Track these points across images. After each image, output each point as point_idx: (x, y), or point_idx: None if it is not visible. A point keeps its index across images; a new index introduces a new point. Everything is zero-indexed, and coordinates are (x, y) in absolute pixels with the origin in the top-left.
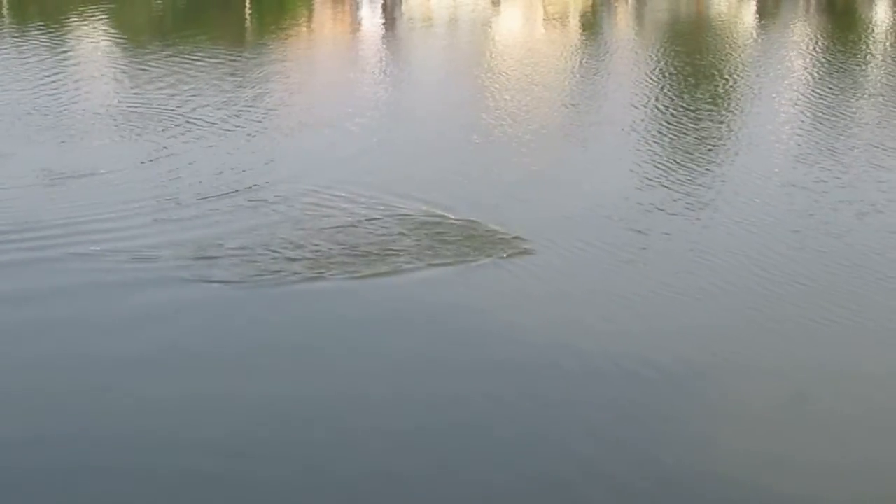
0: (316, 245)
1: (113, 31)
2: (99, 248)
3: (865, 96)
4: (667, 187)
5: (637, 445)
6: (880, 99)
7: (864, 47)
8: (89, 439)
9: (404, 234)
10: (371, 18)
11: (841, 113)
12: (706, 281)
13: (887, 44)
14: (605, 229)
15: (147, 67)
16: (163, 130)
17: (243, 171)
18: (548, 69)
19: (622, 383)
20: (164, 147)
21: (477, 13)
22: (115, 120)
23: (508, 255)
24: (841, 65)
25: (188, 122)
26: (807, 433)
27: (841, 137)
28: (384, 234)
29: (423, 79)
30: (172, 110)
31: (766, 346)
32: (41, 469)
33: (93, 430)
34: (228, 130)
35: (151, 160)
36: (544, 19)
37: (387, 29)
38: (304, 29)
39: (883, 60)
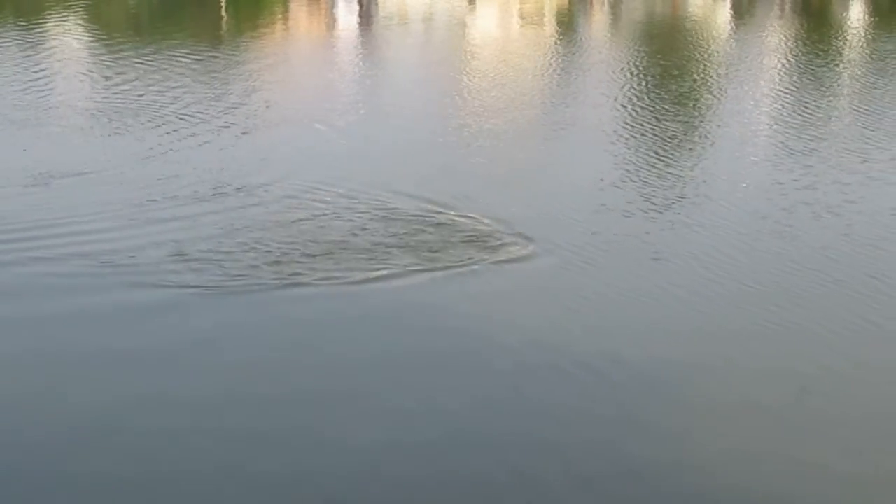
0: (294, 247)
1: (88, 29)
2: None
3: (837, 97)
4: (637, 186)
5: (597, 442)
6: (852, 99)
7: (837, 48)
8: (34, 441)
9: (389, 232)
10: (346, 17)
11: (812, 113)
12: (670, 281)
13: (860, 45)
14: (570, 228)
15: (122, 66)
16: (139, 128)
17: (220, 170)
18: (522, 68)
19: (571, 382)
20: (147, 145)
21: (452, 12)
22: (89, 118)
23: (491, 255)
24: (813, 65)
25: (164, 120)
26: (772, 430)
27: (813, 138)
28: (364, 232)
29: (398, 77)
30: (148, 109)
31: (731, 346)
32: None
33: (40, 432)
34: (204, 129)
35: (130, 158)
36: (519, 18)
37: (362, 27)
38: (280, 27)
39: (855, 61)
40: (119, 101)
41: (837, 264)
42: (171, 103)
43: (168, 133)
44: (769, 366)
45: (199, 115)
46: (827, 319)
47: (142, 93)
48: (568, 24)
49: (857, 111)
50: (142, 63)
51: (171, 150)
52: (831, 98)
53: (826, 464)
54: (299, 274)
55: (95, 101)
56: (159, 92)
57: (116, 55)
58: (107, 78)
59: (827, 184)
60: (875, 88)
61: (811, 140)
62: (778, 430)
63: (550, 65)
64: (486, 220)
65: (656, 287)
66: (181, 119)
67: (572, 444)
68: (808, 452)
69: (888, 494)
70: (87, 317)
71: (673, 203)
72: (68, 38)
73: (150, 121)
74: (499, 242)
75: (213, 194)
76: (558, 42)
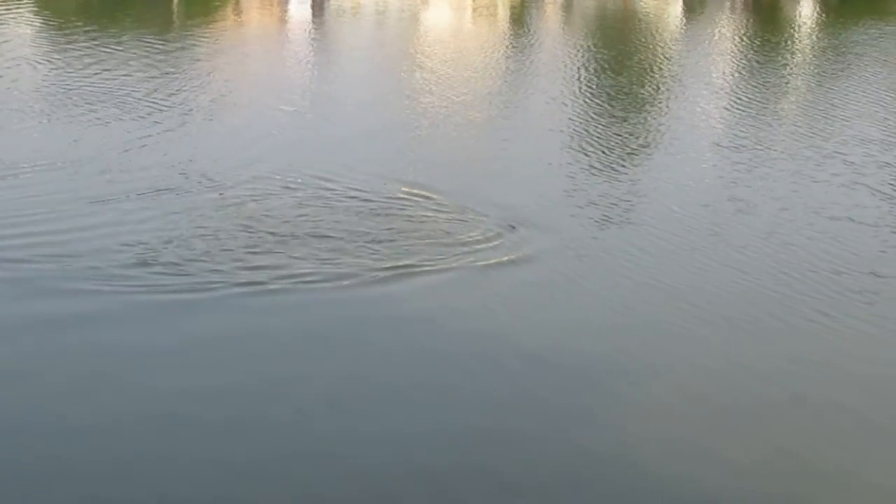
0: (257, 244)
1: (38, 17)
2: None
3: (783, 93)
4: (584, 182)
5: (541, 438)
6: (797, 96)
7: (785, 45)
8: None
9: (354, 221)
10: (299, 10)
11: (757, 110)
12: (582, 276)
13: (808, 42)
14: (511, 225)
15: (73, 54)
16: (87, 117)
17: (172, 164)
18: (474, 61)
19: (520, 377)
20: (100, 134)
21: (405, 5)
22: (36, 106)
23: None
24: (761, 62)
25: (115, 108)
26: (716, 426)
27: (759, 133)
28: (320, 223)
29: (349, 70)
30: (100, 97)
31: (680, 343)
32: None
33: None
34: (154, 120)
35: (78, 147)
36: (473, 12)
37: (315, 20)
38: (232, 20)
39: (804, 58)
40: (68, 89)
41: (753, 262)
42: (122, 92)
43: (121, 122)
44: (684, 364)
45: (151, 104)
46: (739, 316)
47: (93, 81)
48: (520, 18)
49: (801, 108)
50: (93, 52)
51: (124, 139)
52: (776, 95)
53: (743, 455)
54: (256, 270)
55: (44, 90)
56: (110, 80)
57: (67, 44)
58: (57, 66)
59: (757, 180)
60: (820, 86)
61: (754, 137)
62: (703, 423)
63: (502, 59)
64: (438, 208)
65: (571, 283)
66: (132, 108)
67: (502, 433)
68: (726, 444)
69: (808, 484)
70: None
71: (612, 199)
72: (19, 26)
73: (101, 109)
74: (453, 232)
75: (156, 187)
76: (510, 36)
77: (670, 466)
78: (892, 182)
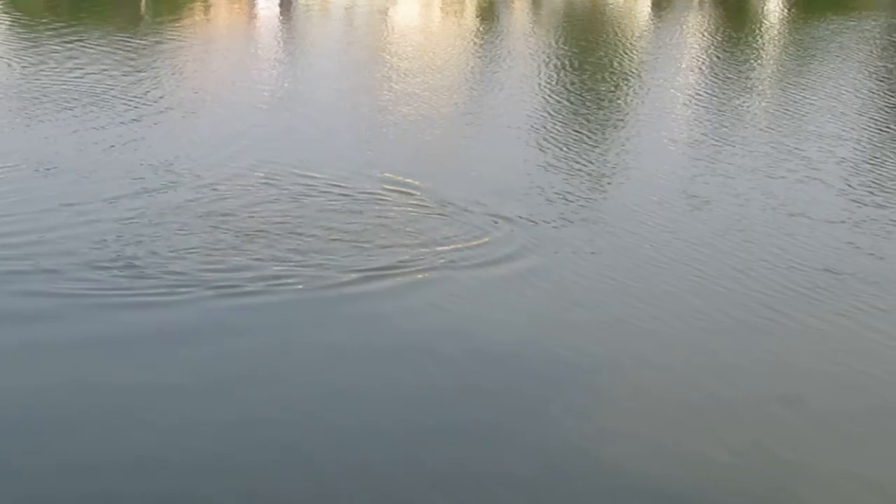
0: (234, 245)
1: (4, 18)
2: None
3: (747, 88)
4: (551, 176)
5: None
6: (761, 91)
7: (750, 41)
8: None
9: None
10: (267, 7)
11: (721, 105)
12: (534, 273)
13: (773, 37)
14: (484, 219)
15: (41, 54)
16: (55, 116)
17: (141, 162)
18: (442, 57)
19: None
20: (69, 131)
21: (373, 2)
22: (2, 104)
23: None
24: (726, 58)
25: (81, 108)
26: (686, 423)
27: (719, 130)
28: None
29: (318, 67)
30: (66, 97)
31: (632, 340)
32: None
33: None
34: (122, 119)
35: (46, 145)
36: (441, 9)
37: (283, 18)
38: (200, 17)
39: (766, 54)
40: (36, 88)
41: (707, 258)
42: (90, 91)
43: (88, 120)
44: (655, 360)
45: (119, 103)
46: (691, 312)
47: (62, 80)
48: (488, 15)
49: (762, 104)
50: (61, 51)
51: (92, 138)
52: (738, 91)
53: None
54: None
55: (11, 88)
56: (79, 79)
57: (35, 42)
58: (24, 65)
59: (715, 176)
60: (781, 82)
61: (715, 133)
62: (654, 418)
63: (470, 54)
64: (404, 200)
65: (524, 279)
66: (100, 107)
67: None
68: (676, 439)
69: (761, 476)
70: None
71: (571, 196)
72: None
73: (68, 108)
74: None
75: (128, 184)
76: (479, 32)
77: (617, 460)
78: (847, 178)
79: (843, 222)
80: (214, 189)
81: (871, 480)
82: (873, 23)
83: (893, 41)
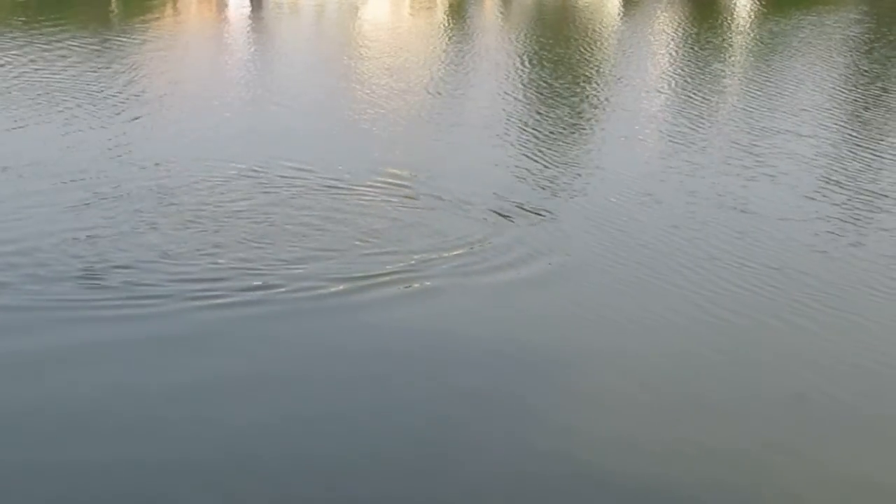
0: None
1: None
2: None
3: (709, 85)
4: (521, 174)
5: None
6: (723, 88)
7: (722, 36)
8: None
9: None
10: (238, 6)
11: (697, 100)
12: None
13: (747, 31)
14: (454, 218)
15: (9, 53)
16: (26, 115)
17: (112, 160)
18: (413, 55)
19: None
20: (42, 132)
21: (343, 0)
22: None
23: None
24: (693, 55)
25: (52, 107)
26: (661, 417)
27: (697, 125)
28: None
29: (289, 64)
30: (35, 95)
31: (574, 337)
32: None
33: None
34: (93, 117)
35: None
36: (411, 6)
37: (253, 16)
38: (171, 17)
39: (741, 47)
40: (4, 87)
41: (656, 255)
42: (61, 90)
43: (57, 120)
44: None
45: (89, 101)
46: (638, 310)
47: (31, 79)
48: (459, 12)
49: (724, 101)
50: (31, 49)
51: (63, 137)
52: (701, 87)
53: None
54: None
55: None
56: (48, 78)
57: (3, 41)
58: None
59: (670, 173)
60: (746, 78)
61: (672, 130)
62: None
63: (441, 52)
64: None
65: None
66: (70, 106)
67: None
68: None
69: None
70: None
71: (518, 196)
72: None
73: (38, 107)
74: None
75: (94, 185)
76: (450, 29)
77: (588, 456)
78: (798, 174)
79: (793, 219)
80: (192, 189)
81: (837, 472)
82: (844, 17)
83: (859, 36)
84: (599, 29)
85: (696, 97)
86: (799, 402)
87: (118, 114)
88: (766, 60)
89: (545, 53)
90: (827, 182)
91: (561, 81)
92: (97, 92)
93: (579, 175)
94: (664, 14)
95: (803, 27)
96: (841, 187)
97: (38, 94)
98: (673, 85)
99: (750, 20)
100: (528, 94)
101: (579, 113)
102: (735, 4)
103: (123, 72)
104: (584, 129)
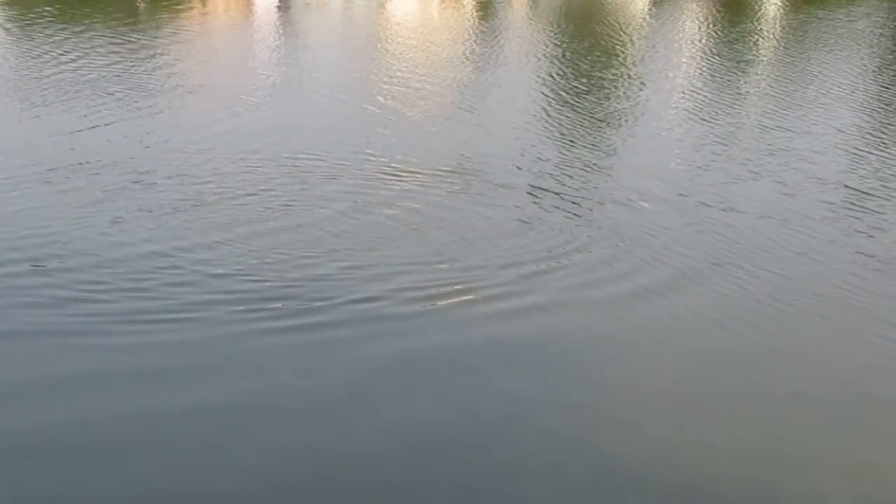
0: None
1: (5, 8)
2: None
3: (752, 80)
4: (554, 167)
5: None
6: (766, 82)
7: (750, 33)
8: None
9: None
10: (265, 1)
11: (727, 97)
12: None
13: (776, 29)
14: (479, 209)
15: (40, 46)
16: (55, 107)
17: (138, 153)
18: (441, 50)
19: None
20: (68, 124)
21: None
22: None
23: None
24: (725, 50)
25: (78, 100)
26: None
27: (726, 121)
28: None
29: (317, 59)
30: (65, 88)
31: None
32: None
33: None
34: (118, 110)
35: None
36: (440, 2)
37: (281, 11)
38: (198, 11)
39: (770, 44)
40: (34, 79)
41: (633, 253)
42: (87, 83)
43: (84, 112)
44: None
45: (116, 94)
46: (615, 308)
47: (60, 71)
48: (487, 8)
49: (774, 92)
50: (60, 42)
51: (88, 130)
52: (748, 81)
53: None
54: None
55: (10, 80)
56: (77, 71)
57: (33, 34)
58: (23, 56)
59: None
60: (784, 76)
61: (690, 129)
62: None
63: (469, 48)
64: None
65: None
66: (95, 99)
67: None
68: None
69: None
70: None
71: (592, 184)
72: None
73: (66, 99)
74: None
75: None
76: (478, 25)
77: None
78: (783, 171)
79: (771, 217)
80: (222, 185)
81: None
82: (873, 12)
83: (889, 33)
84: (627, 26)
85: (721, 94)
86: (828, 400)
87: (144, 108)
88: (798, 57)
89: (572, 50)
90: (860, 180)
91: (589, 76)
92: (124, 86)
93: (594, 170)
94: (692, 11)
95: (837, 24)
96: (875, 186)
97: (67, 88)
98: (699, 83)
99: (778, 17)
100: (556, 91)
101: (599, 110)
102: (766, 2)
103: (148, 67)
104: (602, 127)
